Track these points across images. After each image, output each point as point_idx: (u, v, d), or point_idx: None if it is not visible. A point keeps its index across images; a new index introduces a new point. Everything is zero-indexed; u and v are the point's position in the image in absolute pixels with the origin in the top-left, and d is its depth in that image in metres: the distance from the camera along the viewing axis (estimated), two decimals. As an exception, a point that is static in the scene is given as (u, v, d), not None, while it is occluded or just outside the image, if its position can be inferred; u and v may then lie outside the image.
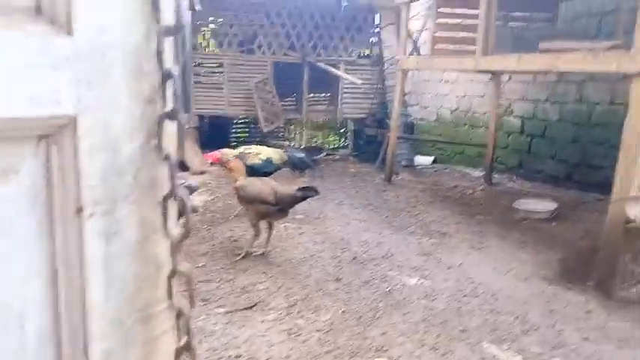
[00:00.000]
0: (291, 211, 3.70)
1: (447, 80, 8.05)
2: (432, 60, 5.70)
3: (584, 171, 5.68)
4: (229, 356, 2.34)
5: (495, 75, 6.04)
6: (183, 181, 5.44)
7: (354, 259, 3.62)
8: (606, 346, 2.52)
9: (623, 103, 4.32)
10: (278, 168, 4.85)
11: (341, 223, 4.50)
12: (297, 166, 4.97)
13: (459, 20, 5.79)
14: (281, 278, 3.24)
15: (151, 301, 0.73)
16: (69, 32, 0.60)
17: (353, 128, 9.13)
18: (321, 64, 7.71)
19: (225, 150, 4.69)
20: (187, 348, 0.72)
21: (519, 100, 6.66)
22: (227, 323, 2.64)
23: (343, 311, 2.82)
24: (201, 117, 7.65)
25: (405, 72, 6.17)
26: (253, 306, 2.84)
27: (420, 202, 5.39)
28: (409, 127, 7.86)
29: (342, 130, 9.88)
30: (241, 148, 4.85)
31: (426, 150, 8.35)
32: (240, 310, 2.79)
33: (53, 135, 0.62)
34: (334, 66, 7.78)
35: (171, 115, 0.68)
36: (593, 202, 5.13)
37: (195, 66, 7.56)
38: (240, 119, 9.13)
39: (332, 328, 2.62)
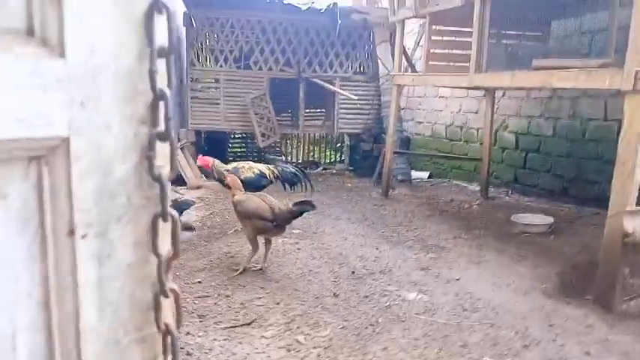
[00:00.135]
0: (288, 226, 3.70)
1: (441, 96, 8.10)
2: (427, 76, 5.74)
3: (579, 185, 5.69)
4: (226, 375, 2.32)
5: (489, 91, 6.09)
6: (180, 195, 5.43)
7: (352, 274, 3.60)
8: (608, 361, 2.51)
9: (617, 119, 4.35)
10: (271, 182, 4.89)
11: (338, 238, 4.48)
12: (288, 181, 4.99)
13: (452, 37, 5.85)
14: (279, 294, 3.21)
15: (145, 321, 0.72)
16: (61, 54, 0.60)
17: (349, 143, 9.15)
18: (317, 80, 7.77)
19: (217, 162, 4.69)
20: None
21: (513, 115, 6.70)
22: (225, 340, 2.61)
23: (342, 327, 2.79)
24: (198, 132, 7.67)
25: (400, 88, 6.21)
26: (251, 322, 2.81)
27: (417, 216, 5.38)
28: (405, 142, 7.89)
29: (338, 145, 9.91)
30: (232, 165, 4.87)
31: (422, 165, 8.37)
32: (239, 326, 2.76)
33: (45, 156, 0.61)
34: (330, 82, 7.84)
35: (163, 136, 0.68)
36: (589, 216, 5.12)
37: (191, 81, 7.60)
38: (237, 134, 9.15)
39: (331, 344, 2.59)
